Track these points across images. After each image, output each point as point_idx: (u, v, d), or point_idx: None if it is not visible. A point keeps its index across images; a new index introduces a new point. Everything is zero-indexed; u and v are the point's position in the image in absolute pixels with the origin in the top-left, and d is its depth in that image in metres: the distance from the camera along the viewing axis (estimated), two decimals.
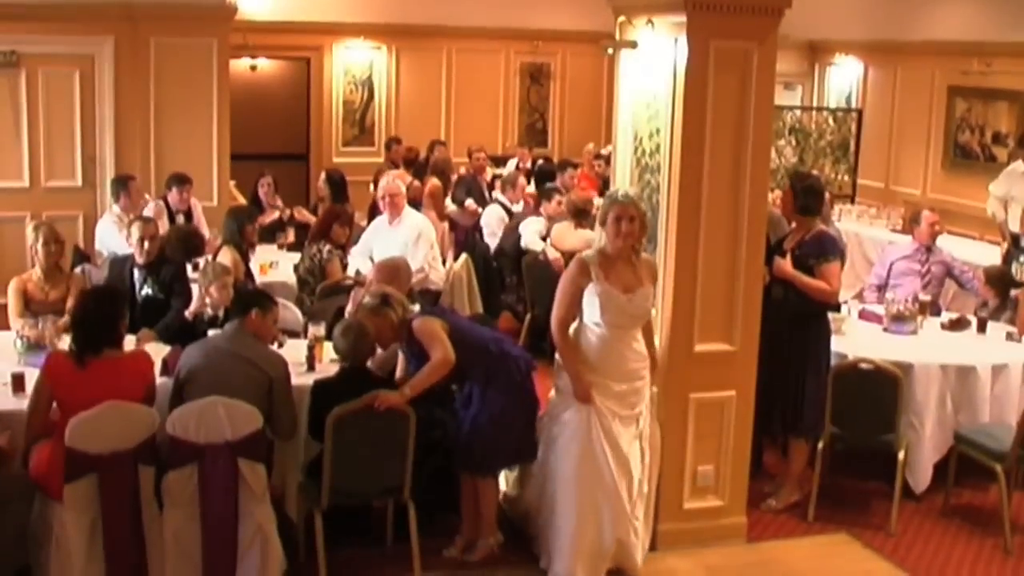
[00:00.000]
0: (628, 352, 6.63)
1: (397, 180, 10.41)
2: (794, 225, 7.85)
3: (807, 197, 7.74)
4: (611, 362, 6.60)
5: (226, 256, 9.09)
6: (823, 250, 7.65)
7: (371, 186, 13.93)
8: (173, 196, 10.84)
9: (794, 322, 7.59)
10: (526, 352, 7.13)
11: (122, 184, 10.63)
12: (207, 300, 7.92)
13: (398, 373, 7.00)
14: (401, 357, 7.03)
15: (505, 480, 7.27)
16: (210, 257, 9.42)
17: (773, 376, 7.44)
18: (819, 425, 7.67)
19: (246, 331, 6.73)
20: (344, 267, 9.62)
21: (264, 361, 6.64)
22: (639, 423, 6.72)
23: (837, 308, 8.35)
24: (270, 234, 11.38)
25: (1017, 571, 7.13)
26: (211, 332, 7.38)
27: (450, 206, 13.13)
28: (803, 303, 7.60)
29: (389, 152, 15.80)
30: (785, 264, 7.60)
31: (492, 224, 12.10)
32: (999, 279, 9.60)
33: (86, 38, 11.75)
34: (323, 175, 12.57)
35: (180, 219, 10.72)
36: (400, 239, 9.77)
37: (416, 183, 12.67)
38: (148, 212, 10.16)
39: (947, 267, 10.01)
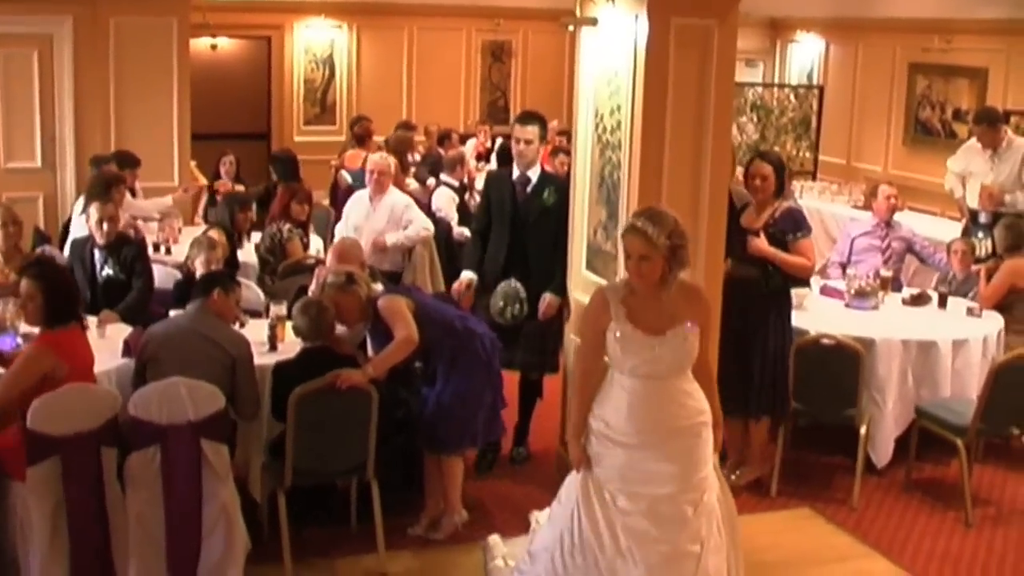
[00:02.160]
0: (671, 407, 5.26)
1: (387, 158, 10.33)
2: (751, 203, 7.82)
3: (783, 176, 7.76)
4: (647, 421, 5.23)
5: (215, 235, 9.00)
6: (798, 226, 7.67)
7: (332, 169, 13.92)
8: (126, 176, 10.71)
9: (761, 300, 7.59)
10: (489, 329, 7.11)
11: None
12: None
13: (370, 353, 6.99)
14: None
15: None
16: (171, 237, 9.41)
17: (739, 355, 7.44)
18: (786, 403, 7.70)
19: (208, 311, 6.71)
20: (305, 246, 9.59)
21: (226, 341, 6.61)
22: (704, 496, 5.30)
23: (807, 283, 8.38)
24: None
25: (978, 543, 7.19)
26: (172, 312, 7.37)
27: (412, 184, 13.09)
28: (779, 281, 7.63)
29: (355, 130, 15.74)
30: (762, 243, 7.56)
31: (444, 207, 12.03)
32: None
33: (45, 18, 11.64)
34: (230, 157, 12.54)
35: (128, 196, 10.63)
36: (382, 216, 9.79)
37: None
38: None
39: (908, 243, 10.05)
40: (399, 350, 6.63)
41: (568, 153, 11.42)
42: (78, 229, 9.16)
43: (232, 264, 9.10)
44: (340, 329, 6.94)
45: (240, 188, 12.11)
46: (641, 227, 5.14)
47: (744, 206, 7.84)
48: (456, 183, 12.36)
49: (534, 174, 7.92)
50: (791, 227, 7.63)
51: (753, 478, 7.82)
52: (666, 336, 5.20)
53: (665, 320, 5.22)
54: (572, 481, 5.41)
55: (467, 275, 8.01)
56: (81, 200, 10.02)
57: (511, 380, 7.70)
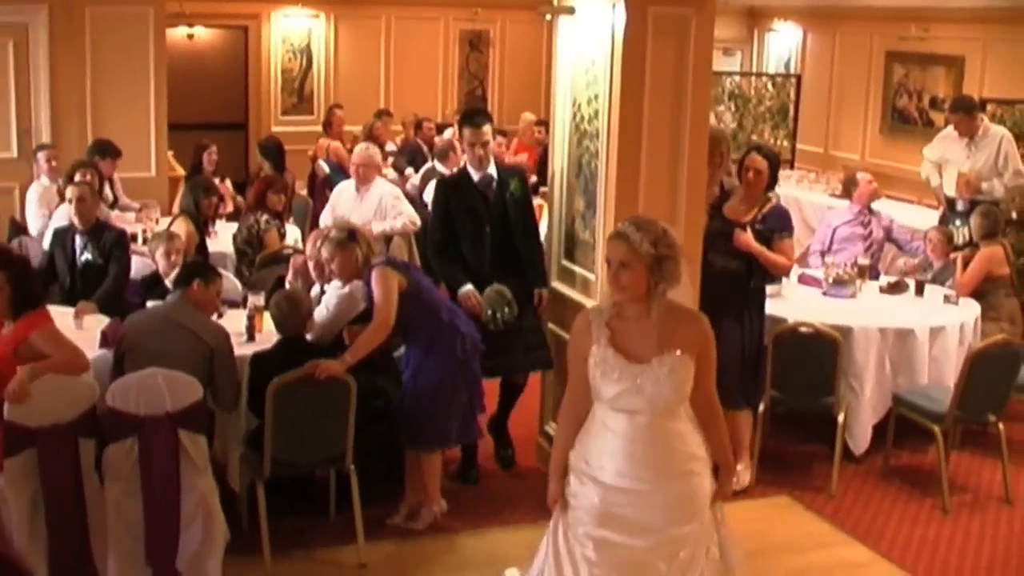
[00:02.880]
0: (657, 449, 4.68)
1: (369, 149, 10.31)
2: (738, 192, 7.73)
3: (777, 172, 7.73)
4: (629, 464, 4.66)
5: (180, 226, 8.99)
6: (784, 224, 7.64)
7: (310, 158, 13.88)
8: (102, 165, 10.66)
9: (742, 295, 7.56)
10: (475, 332, 7.07)
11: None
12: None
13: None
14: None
15: None
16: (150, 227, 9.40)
17: (723, 349, 7.35)
18: (761, 394, 7.73)
19: (188, 301, 6.69)
20: (282, 236, 9.58)
21: (205, 332, 6.60)
22: (681, 553, 4.73)
23: (779, 280, 8.31)
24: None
25: (955, 530, 7.23)
26: (150, 303, 7.36)
27: (391, 174, 13.07)
28: (761, 278, 7.61)
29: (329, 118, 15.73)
30: (748, 238, 7.47)
31: None
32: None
33: (20, 7, 11.54)
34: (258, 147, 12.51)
35: (107, 188, 10.60)
36: (370, 207, 9.82)
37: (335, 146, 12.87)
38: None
39: (887, 230, 10.08)
40: (373, 337, 6.63)
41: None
42: (59, 217, 9.16)
43: (202, 251, 9.09)
44: (322, 316, 6.95)
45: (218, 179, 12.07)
46: (623, 231, 4.63)
47: (726, 196, 7.80)
48: (447, 172, 12.31)
49: (493, 171, 7.60)
50: (779, 226, 7.60)
51: (749, 480, 7.68)
52: (650, 364, 4.58)
53: (650, 346, 4.62)
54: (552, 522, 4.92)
55: (468, 288, 7.39)
56: (34, 189, 10.02)
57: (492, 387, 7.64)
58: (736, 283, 7.52)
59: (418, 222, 10.11)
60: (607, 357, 4.62)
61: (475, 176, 7.55)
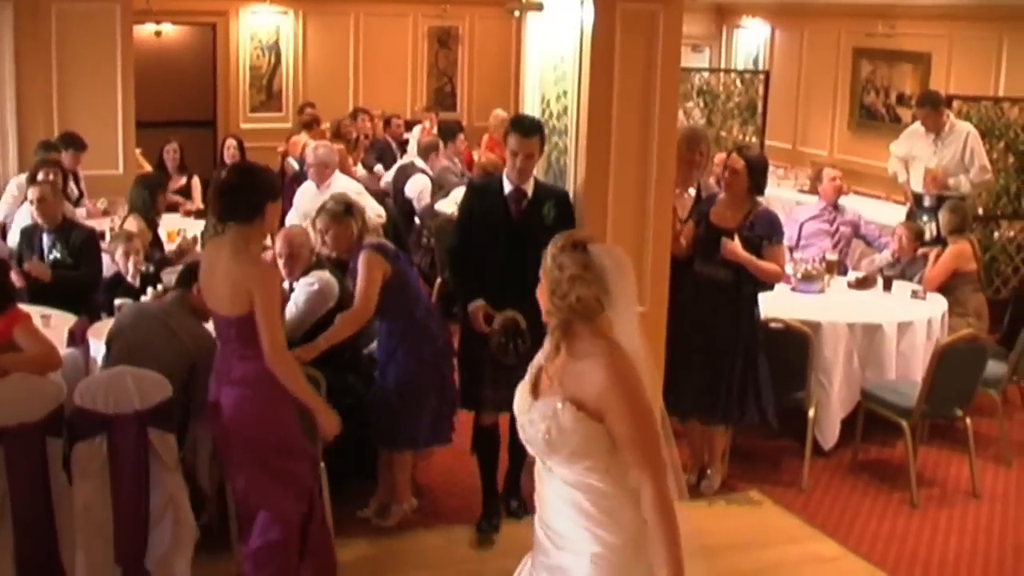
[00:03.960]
0: (556, 505, 3.88)
1: (325, 148, 10.30)
2: (722, 196, 7.49)
3: (761, 176, 7.37)
4: (539, 507, 4.00)
5: (132, 224, 8.99)
6: (775, 231, 7.34)
7: (279, 156, 13.85)
8: (66, 157, 10.58)
9: (732, 305, 7.32)
10: (446, 334, 7.02)
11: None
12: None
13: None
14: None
15: None
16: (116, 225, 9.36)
17: (707, 359, 7.29)
18: (754, 411, 7.47)
19: (185, 304, 6.66)
20: None
21: (191, 340, 6.54)
22: None
23: (771, 287, 7.72)
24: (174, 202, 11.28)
25: (923, 523, 7.27)
26: (119, 301, 7.35)
27: (360, 171, 13.05)
28: (750, 286, 7.34)
29: (302, 116, 15.70)
30: (736, 247, 7.19)
31: (423, 195, 11.97)
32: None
33: None
34: (233, 141, 12.48)
35: (71, 182, 10.53)
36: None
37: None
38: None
39: (855, 226, 10.12)
40: (348, 324, 6.65)
41: None
42: (23, 217, 9.11)
43: (156, 246, 9.06)
44: (305, 296, 7.01)
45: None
46: (549, 249, 3.89)
47: (709, 198, 7.62)
48: (430, 170, 12.29)
49: (528, 187, 6.75)
50: (767, 232, 7.29)
51: (719, 483, 7.65)
52: (537, 402, 3.86)
53: (547, 381, 3.90)
54: None
55: (479, 303, 6.61)
56: (14, 183, 9.94)
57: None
58: (725, 293, 7.29)
59: (383, 215, 10.14)
60: (523, 381, 4.03)
61: (507, 187, 6.77)
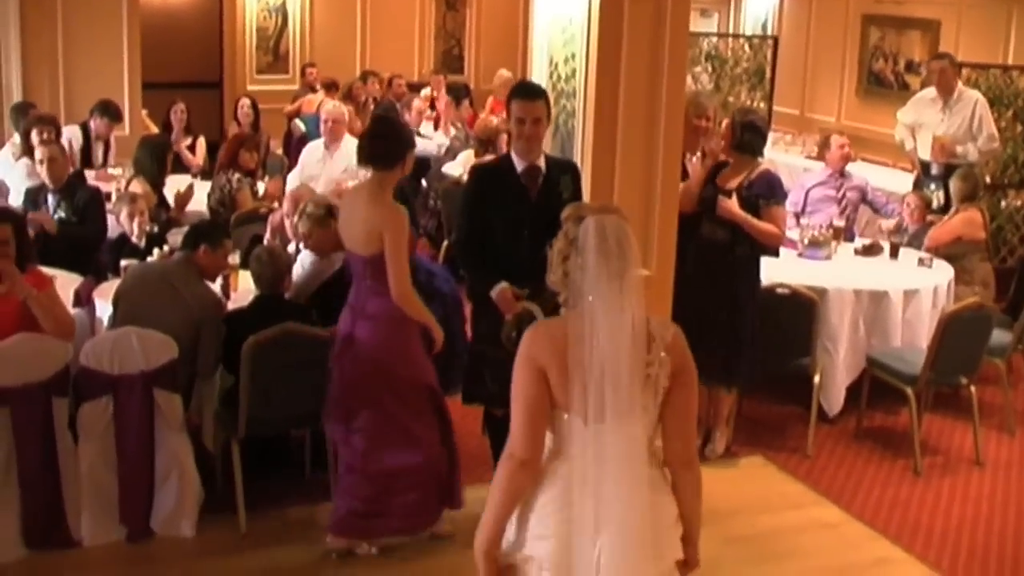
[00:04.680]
0: None
1: (340, 107, 10.28)
2: (731, 162, 7.44)
3: (745, 133, 7.32)
4: None
5: (137, 186, 8.98)
6: (773, 191, 7.32)
7: (286, 118, 13.83)
8: (99, 124, 10.62)
9: (728, 267, 7.31)
10: (456, 290, 7.04)
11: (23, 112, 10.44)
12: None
13: None
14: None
15: None
16: (122, 186, 9.35)
17: (707, 324, 7.12)
18: (754, 373, 7.52)
19: (192, 265, 6.66)
20: (255, 195, 9.54)
21: (196, 300, 6.54)
22: None
23: (776, 253, 7.63)
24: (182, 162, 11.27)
25: (926, 491, 7.28)
26: (125, 262, 7.35)
27: None
28: (750, 247, 7.31)
29: (304, 77, 15.66)
30: (732, 204, 7.18)
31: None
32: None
33: None
34: (247, 101, 12.43)
35: (99, 148, 10.53)
36: (339, 164, 9.75)
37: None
38: (65, 137, 10.01)
39: (861, 192, 10.10)
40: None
41: None
42: (17, 177, 9.14)
43: (162, 206, 9.07)
44: (305, 268, 6.94)
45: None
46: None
47: (722, 165, 7.51)
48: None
49: (541, 163, 6.24)
50: (766, 192, 7.27)
51: (723, 448, 7.66)
52: None
53: None
54: None
55: (503, 285, 6.09)
56: (8, 149, 9.90)
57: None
58: (722, 253, 7.28)
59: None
60: None
61: (519, 166, 6.22)
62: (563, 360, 3.66)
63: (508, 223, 6.16)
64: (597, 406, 3.64)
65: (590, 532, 3.66)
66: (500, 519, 3.75)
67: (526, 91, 6.26)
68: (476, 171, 6.81)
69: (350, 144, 9.94)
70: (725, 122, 7.68)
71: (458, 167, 11.05)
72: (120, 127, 10.84)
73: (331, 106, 10.24)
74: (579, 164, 6.80)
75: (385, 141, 5.96)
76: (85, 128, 10.72)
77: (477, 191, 6.40)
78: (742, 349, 7.38)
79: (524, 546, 3.77)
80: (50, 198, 8.41)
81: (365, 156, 5.97)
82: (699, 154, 7.48)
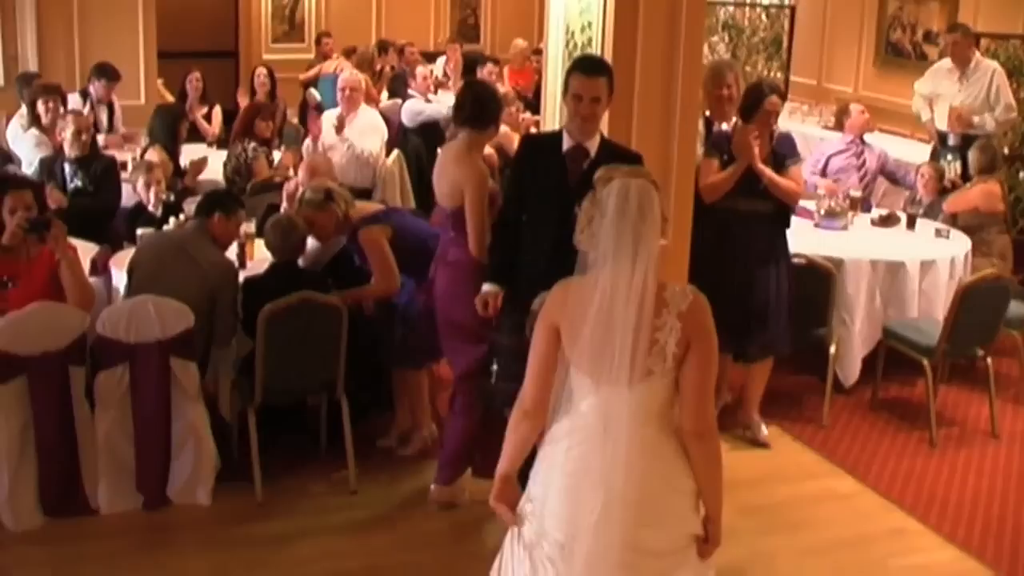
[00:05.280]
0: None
1: (357, 74, 10.26)
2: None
3: (746, 101, 7.34)
4: None
5: (153, 154, 9.00)
6: (793, 151, 7.39)
7: (301, 87, 13.80)
8: (98, 87, 10.62)
9: (767, 238, 7.28)
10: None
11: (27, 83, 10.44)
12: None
13: None
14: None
15: None
16: (138, 155, 9.36)
17: (747, 298, 7.17)
18: (788, 343, 7.48)
19: (205, 232, 6.68)
20: (270, 164, 9.54)
21: (211, 268, 6.56)
22: None
23: (792, 212, 7.58)
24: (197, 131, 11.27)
25: (941, 463, 7.27)
26: (141, 231, 7.37)
27: (385, 101, 13.00)
28: (785, 214, 7.31)
29: (320, 47, 15.62)
30: (759, 159, 7.15)
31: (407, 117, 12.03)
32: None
33: None
34: (264, 70, 12.40)
35: (103, 112, 10.53)
36: (355, 134, 9.75)
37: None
38: (73, 106, 10.00)
39: (881, 161, 10.06)
40: (373, 294, 6.77)
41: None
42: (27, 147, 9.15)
43: (178, 175, 9.08)
44: (314, 243, 6.94)
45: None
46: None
47: (721, 134, 7.52)
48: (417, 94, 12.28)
49: (593, 146, 5.69)
50: (790, 151, 7.34)
51: (764, 433, 7.54)
52: None
53: None
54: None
55: (488, 288, 5.85)
56: (16, 121, 9.88)
57: None
58: (766, 226, 7.27)
59: (378, 154, 9.98)
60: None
61: (567, 143, 5.71)
62: (576, 319, 3.74)
63: (540, 206, 5.70)
64: (604, 366, 3.71)
65: (591, 490, 3.72)
66: (511, 461, 3.99)
67: (587, 66, 5.70)
68: (523, 141, 6.55)
69: (366, 113, 9.93)
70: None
71: None
72: (115, 86, 10.73)
73: (348, 74, 10.21)
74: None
75: (479, 104, 6.26)
76: (85, 94, 10.68)
77: (519, 163, 6.02)
78: (782, 321, 7.36)
79: (529, 499, 3.90)
80: (66, 167, 8.43)
81: (462, 117, 6.26)
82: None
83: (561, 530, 3.78)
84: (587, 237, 3.80)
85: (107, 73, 10.66)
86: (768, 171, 7.20)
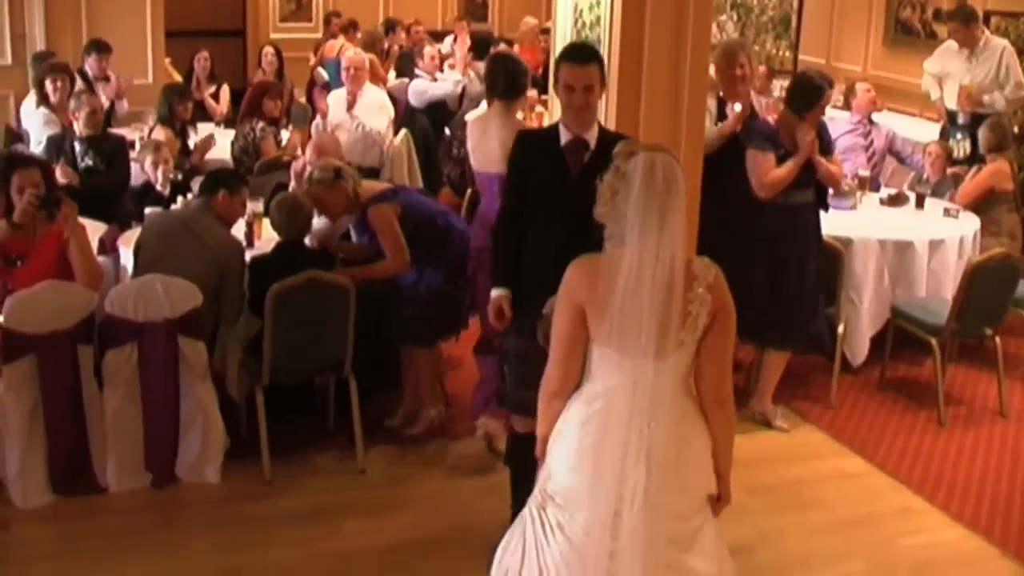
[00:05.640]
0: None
1: (361, 53, 10.25)
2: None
3: (799, 94, 7.28)
4: None
5: (160, 133, 9.01)
6: (828, 135, 7.51)
7: (310, 67, 13.78)
8: (92, 63, 10.59)
9: (811, 229, 7.30)
10: (467, 226, 7.08)
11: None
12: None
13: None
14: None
15: None
16: (145, 134, 9.37)
17: (800, 288, 7.19)
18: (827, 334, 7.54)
19: (210, 210, 6.68)
20: (278, 143, 9.53)
21: (217, 246, 6.57)
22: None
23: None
24: (205, 111, 11.25)
25: (949, 442, 7.27)
26: (149, 210, 7.38)
27: (393, 80, 12.97)
28: (818, 200, 7.31)
29: (328, 26, 15.58)
30: (814, 146, 7.10)
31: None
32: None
33: None
34: (271, 49, 12.37)
35: (100, 88, 10.50)
36: (362, 113, 9.74)
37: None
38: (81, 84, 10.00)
39: (889, 141, 10.03)
40: (384, 272, 6.74)
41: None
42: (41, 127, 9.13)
43: (186, 154, 9.08)
44: (323, 222, 6.95)
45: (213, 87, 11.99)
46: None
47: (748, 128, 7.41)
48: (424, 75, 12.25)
49: (591, 137, 5.34)
50: (828, 136, 7.43)
51: (782, 421, 7.47)
52: None
53: None
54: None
55: (498, 293, 5.45)
56: (30, 100, 9.85)
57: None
58: (812, 213, 7.30)
59: (386, 132, 10.00)
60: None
61: (564, 137, 5.37)
62: (601, 295, 3.77)
63: (543, 203, 5.38)
64: (634, 340, 3.76)
65: (620, 463, 3.78)
66: (550, 426, 4.01)
67: (575, 54, 5.41)
68: (519, 137, 5.72)
69: (372, 92, 9.91)
70: (762, 68, 7.66)
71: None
72: (107, 58, 10.63)
73: (351, 53, 10.20)
74: (603, 112, 6.69)
75: (514, 77, 6.67)
76: (83, 74, 10.63)
77: (517, 159, 5.55)
78: (816, 307, 7.37)
79: (550, 477, 3.98)
80: (77, 146, 8.42)
81: (497, 92, 6.66)
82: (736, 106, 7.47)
83: (583, 504, 3.85)
84: (609, 211, 3.83)
85: (97, 46, 10.59)
86: (824, 162, 7.22)
